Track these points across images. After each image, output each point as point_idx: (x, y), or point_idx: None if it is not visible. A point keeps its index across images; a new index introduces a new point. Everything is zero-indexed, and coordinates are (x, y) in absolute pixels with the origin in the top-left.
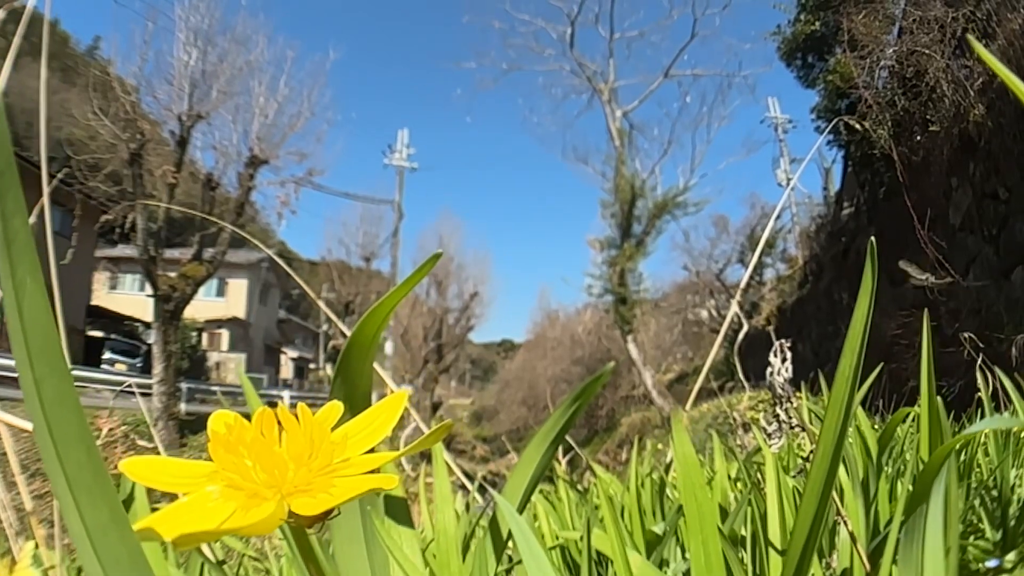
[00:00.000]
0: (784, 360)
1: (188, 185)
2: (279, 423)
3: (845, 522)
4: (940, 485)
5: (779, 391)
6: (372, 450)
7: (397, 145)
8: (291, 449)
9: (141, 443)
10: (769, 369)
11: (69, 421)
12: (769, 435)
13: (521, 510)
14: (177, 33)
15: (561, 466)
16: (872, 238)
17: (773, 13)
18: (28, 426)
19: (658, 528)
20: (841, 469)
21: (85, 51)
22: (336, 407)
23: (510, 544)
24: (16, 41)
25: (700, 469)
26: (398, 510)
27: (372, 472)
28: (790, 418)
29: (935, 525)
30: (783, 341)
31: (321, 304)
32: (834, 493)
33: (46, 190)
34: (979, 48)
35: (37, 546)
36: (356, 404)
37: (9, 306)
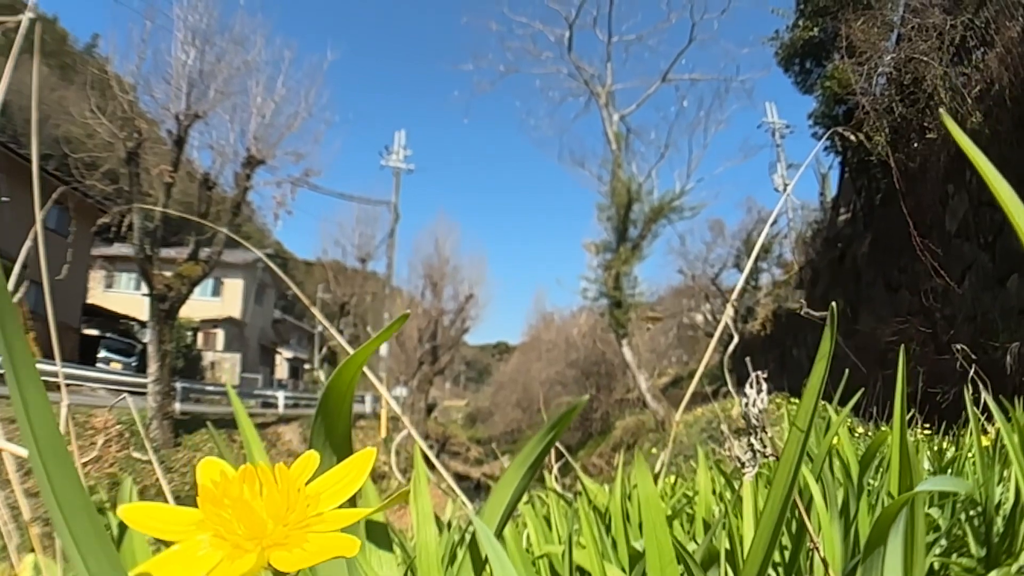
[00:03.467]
0: (760, 391)
1: (185, 184)
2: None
3: (817, 548)
4: (899, 527)
5: (754, 422)
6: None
7: (394, 146)
8: (269, 507)
9: (136, 455)
10: (744, 400)
11: (74, 498)
12: (743, 464)
13: (499, 532)
14: (175, 32)
15: (552, 472)
16: (833, 303)
17: (771, 18)
18: (23, 452)
19: (640, 544)
20: (818, 495)
21: (83, 49)
22: (312, 458)
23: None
24: (17, 43)
25: (661, 508)
26: (378, 534)
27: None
28: (764, 447)
29: (894, 566)
30: (759, 372)
31: (315, 310)
32: (809, 523)
33: (37, 187)
34: (950, 123)
35: (33, 549)
36: (335, 444)
37: (19, 411)
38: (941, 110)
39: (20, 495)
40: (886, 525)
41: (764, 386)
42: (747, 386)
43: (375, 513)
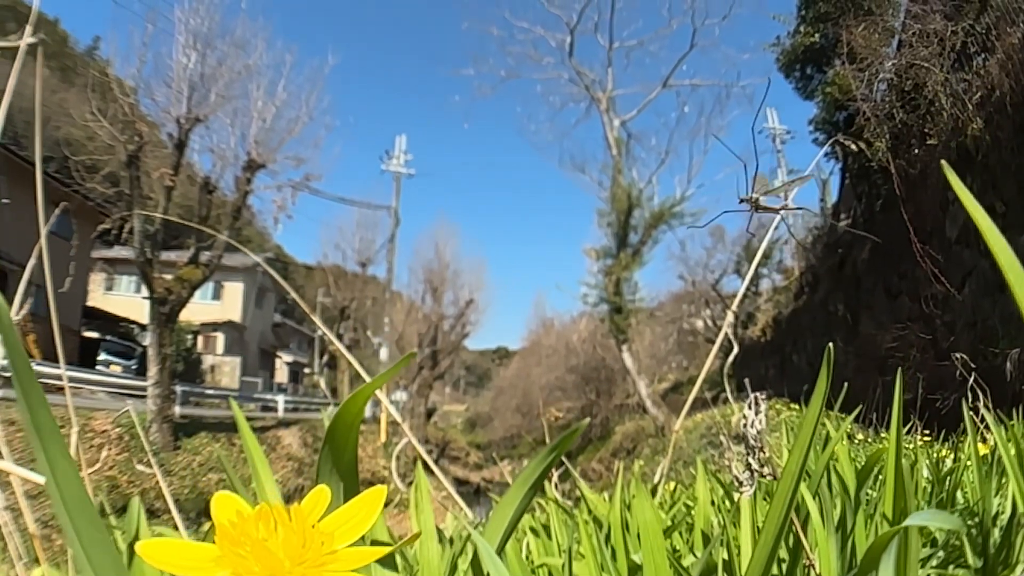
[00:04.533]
0: (758, 412)
1: (185, 188)
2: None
3: (813, 566)
4: (891, 552)
5: (752, 442)
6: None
7: (395, 151)
8: (285, 547)
9: (140, 467)
10: (743, 421)
11: (103, 554)
12: (741, 483)
13: (500, 549)
14: (176, 35)
15: (553, 479)
16: (830, 344)
17: (772, 24)
18: (39, 479)
19: (638, 557)
20: (815, 511)
21: (84, 51)
22: (323, 494)
23: None
24: (18, 60)
25: (660, 532)
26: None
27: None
28: (762, 466)
29: None
30: (758, 394)
31: (314, 316)
32: (805, 540)
33: (40, 196)
34: (952, 176)
35: (38, 560)
36: (343, 472)
37: (46, 476)
38: (943, 162)
39: (21, 499)
40: (878, 553)
41: (763, 407)
42: (746, 407)
43: (373, 560)
